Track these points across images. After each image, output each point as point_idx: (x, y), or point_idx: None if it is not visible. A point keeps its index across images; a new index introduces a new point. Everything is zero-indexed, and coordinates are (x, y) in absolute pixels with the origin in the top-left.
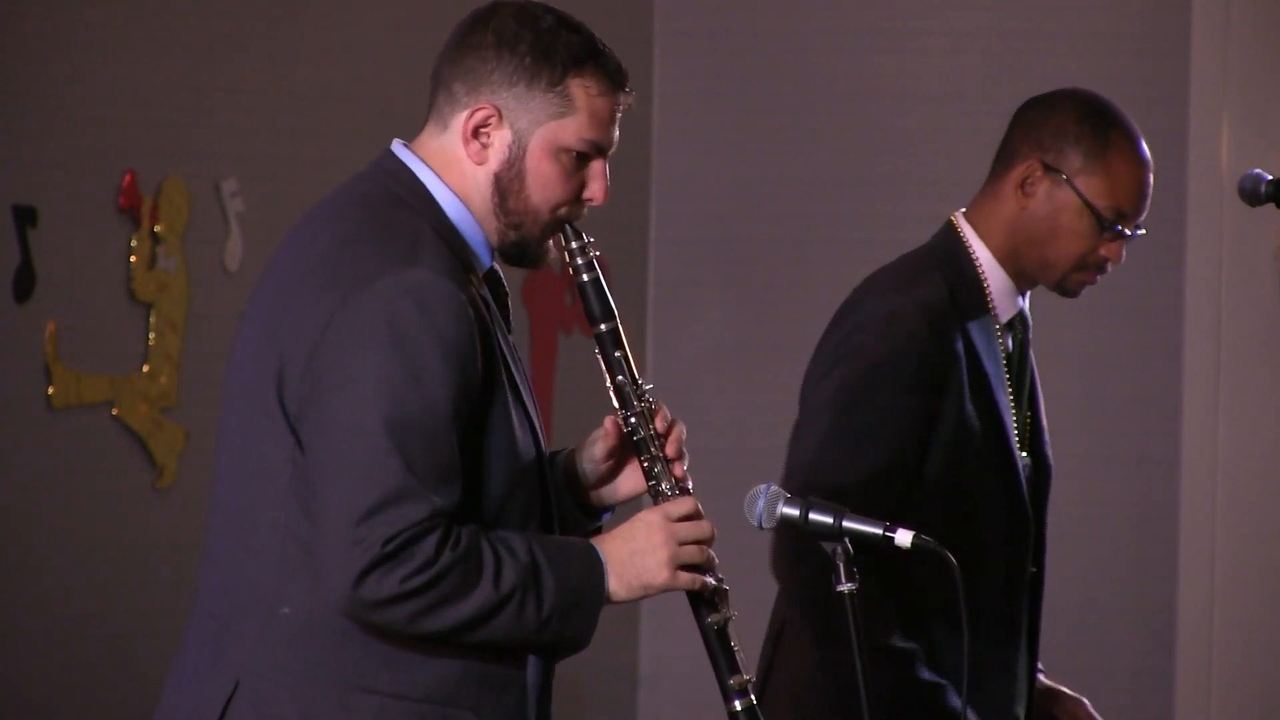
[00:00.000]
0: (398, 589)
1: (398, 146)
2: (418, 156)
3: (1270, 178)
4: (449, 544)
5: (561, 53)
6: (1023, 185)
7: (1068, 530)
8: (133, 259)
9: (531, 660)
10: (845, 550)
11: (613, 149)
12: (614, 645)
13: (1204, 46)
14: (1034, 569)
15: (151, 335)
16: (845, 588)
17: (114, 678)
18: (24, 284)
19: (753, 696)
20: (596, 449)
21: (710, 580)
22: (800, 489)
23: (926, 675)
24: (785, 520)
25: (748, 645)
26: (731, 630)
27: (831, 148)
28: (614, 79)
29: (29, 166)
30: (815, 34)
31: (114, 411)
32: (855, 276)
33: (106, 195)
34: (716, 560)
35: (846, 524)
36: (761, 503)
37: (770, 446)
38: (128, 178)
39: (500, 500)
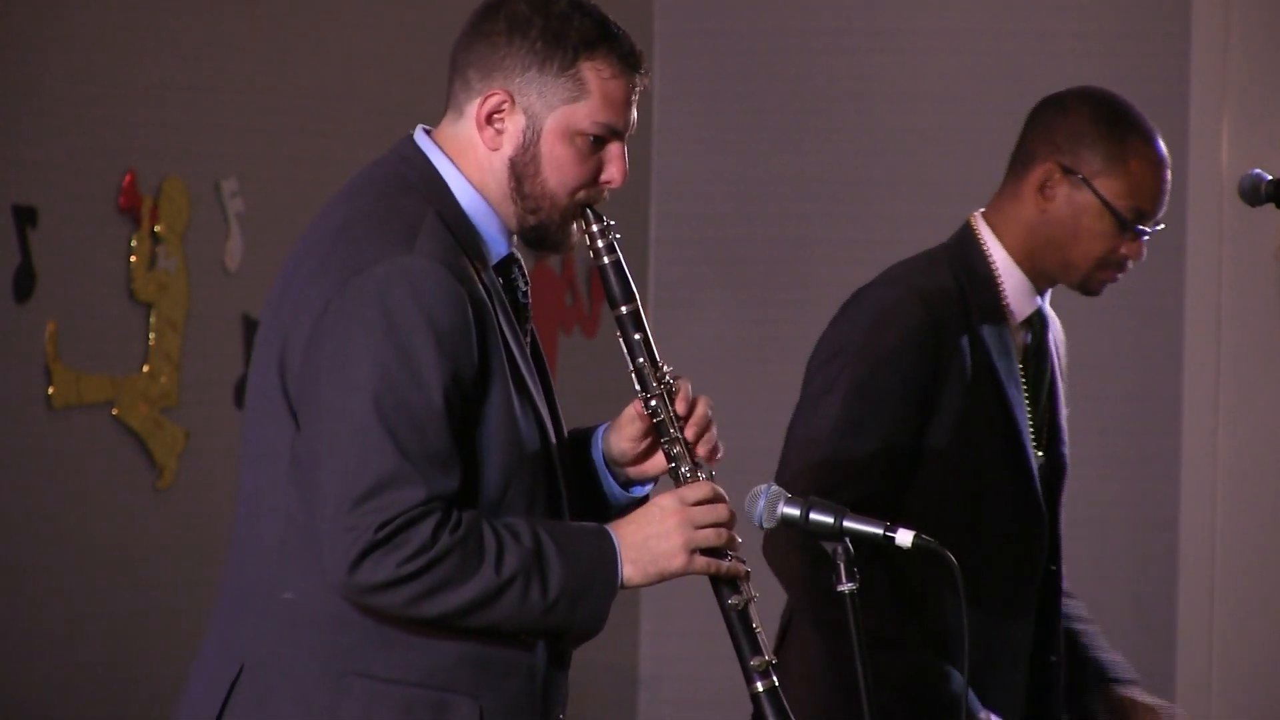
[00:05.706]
0: (394, 573)
1: (418, 133)
2: (435, 144)
3: (1270, 178)
4: (447, 528)
5: (573, 36)
6: (1042, 189)
7: (1068, 530)
8: (133, 259)
9: (540, 644)
10: (846, 550)
11: (630, 130)
12: (614, 645)
13: (1204, 46)
14: (1053, 567)
15: (151, 335)
16: (846, 588)
17: (114, 678)
18: (24, 284)
19: (774, 678)
20: (627, 433)
21: (727, 565)
22: (794, 473)
23: (925, 660)
24: (786, 520)
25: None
26: (753, 611)
27: (831, 148)
28: (627, 61)
29: (29, 166)
30: (815, 34)
31: (114, 411)
32: (855, 276)
33: (106, 195)
34: (739, 541)
35: (847, 524)
36: (762, 502)
37: (770, 446)
38: (128, 178)
39: (500, 488)
